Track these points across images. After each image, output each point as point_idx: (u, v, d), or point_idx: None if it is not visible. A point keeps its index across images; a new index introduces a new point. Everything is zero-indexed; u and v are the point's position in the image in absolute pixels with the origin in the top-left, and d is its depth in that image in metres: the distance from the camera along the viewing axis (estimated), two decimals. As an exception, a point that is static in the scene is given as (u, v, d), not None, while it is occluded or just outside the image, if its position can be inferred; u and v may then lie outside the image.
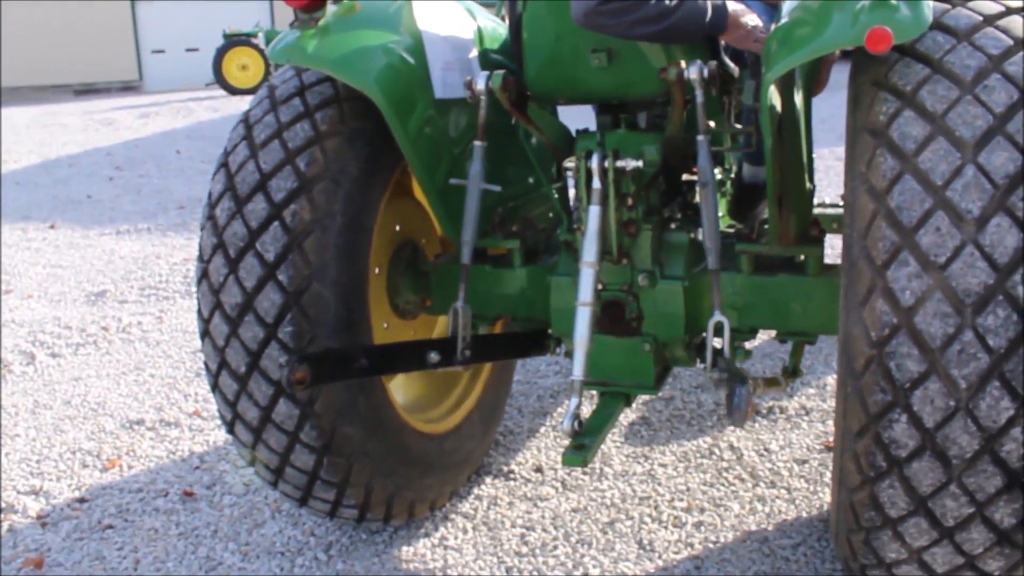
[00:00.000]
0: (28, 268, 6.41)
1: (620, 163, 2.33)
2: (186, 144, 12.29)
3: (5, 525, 2.97)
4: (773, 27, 2.12)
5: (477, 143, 2.43)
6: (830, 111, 6.94)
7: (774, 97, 2.20)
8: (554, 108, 2.84)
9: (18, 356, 4.59)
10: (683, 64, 2.19)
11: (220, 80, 19.57)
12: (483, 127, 2.42)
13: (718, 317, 2.20)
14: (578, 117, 2.84)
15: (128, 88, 24.36)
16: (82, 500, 3.11)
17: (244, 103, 17.42)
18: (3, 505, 3.09)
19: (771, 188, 2.26)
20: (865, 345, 1.82)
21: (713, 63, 2.18)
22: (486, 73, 2.36)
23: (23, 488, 3.21)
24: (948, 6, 1.92)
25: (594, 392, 2.80)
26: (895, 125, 1.84)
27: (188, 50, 24.61)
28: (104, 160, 11.31)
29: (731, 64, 2.61)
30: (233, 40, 19.66)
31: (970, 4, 1.92)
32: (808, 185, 2.49)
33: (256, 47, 19.48)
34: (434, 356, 2.46)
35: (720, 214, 2.72)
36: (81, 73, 24.10)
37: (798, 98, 2.35)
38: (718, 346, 2.24)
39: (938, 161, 1.78)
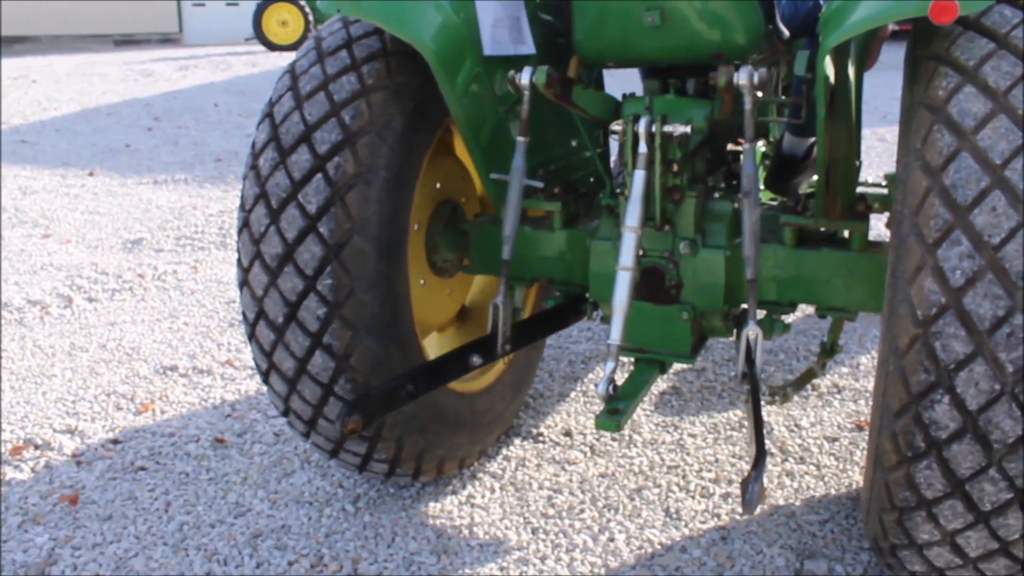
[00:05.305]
0: (67, 214, 6.48)
1: (667, 128, 2.29)
2: (224, 98, 12.31)
3: (42, 461, 3.03)
4: None
5: (520, 139, 2.40)
6: (873, 91, 6.84)
7: (828, 68, 2.15)
8: (600, 73, 2.81)
9: (56, 299, 4.65)
10: (733, 69, 2.14)
11: (259, 35, 19.56)
12: (525, 123, 2.38)
13: (752, 328, 2.17)
14: (626, 84, 2.80)
15: (168, 40, 24.42)
16: (115, 441, 3.16)
17: (283, 59, 17.42)
18: (39, 442, 3.15)
19: (820, 161, 2.22)
20: (910, 323, 1.79)
21: (763, 70, 2.13)
22: (530, 68, 2.32)
23: (59, 427, 3.27)
24: (1017, -21, 1.87)
25: (627, 358, 2.78)
26: (954, 101, 1.80)
27: (228, 4, 24.57)
28: (143, 111, 11.37)
29: (784, 30, 2.56)
30: (274, -5, 19.59)
31: (1041, -22, 1.86)
32: (856, 161, 2.44)
33: (296, 3, 19.41)
34: (476, 360, 2.49)
35: (760, 187, 2.67)
36: (121, 24, 24.16)
37: (851, 71, 2.30)
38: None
39: (998, 139, 1.74)
